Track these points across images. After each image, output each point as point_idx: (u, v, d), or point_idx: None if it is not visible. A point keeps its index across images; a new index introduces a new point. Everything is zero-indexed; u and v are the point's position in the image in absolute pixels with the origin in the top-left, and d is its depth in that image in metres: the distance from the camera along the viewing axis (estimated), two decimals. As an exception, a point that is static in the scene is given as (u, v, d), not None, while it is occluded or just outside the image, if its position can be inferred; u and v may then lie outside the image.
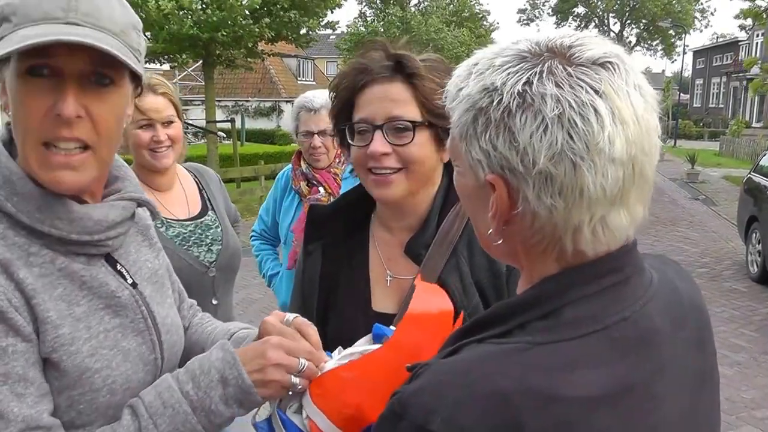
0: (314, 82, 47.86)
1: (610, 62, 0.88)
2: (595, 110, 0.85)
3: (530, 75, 0.87)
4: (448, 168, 1.71)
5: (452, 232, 1.67)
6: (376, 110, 1.60)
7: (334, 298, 1.76)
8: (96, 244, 1.27)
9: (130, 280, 1.35)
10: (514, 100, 0.87)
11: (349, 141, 1.65)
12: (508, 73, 0.88)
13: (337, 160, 3.62)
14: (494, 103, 0.88)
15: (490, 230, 0.95)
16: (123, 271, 1.35)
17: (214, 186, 2.81)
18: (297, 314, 1.43)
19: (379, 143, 1.58)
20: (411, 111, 1.61)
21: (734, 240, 11.74)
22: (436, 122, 1.60)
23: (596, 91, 0.85)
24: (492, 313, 0.95)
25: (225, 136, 21.48)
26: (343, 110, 1.67)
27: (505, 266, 1.62)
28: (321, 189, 3.54)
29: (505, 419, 0.81)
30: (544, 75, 0.86)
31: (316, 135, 3.47)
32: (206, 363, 1.29)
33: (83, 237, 1.23)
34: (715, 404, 1.08)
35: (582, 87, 0.85)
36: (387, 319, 1.55)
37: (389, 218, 1.75)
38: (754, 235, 9.82)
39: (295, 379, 1.29)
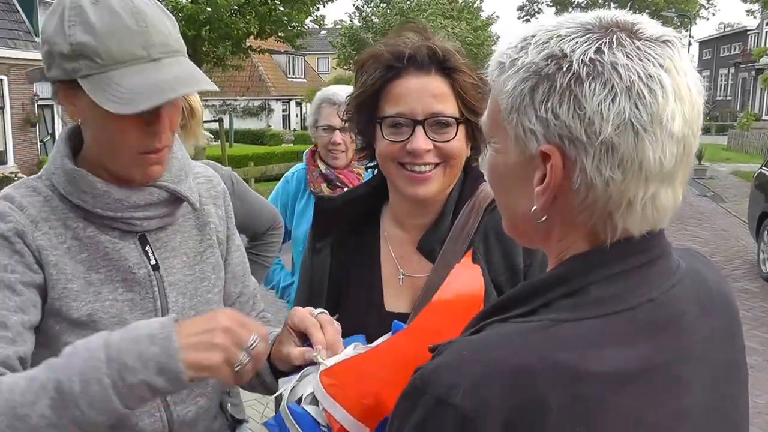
0: (305, 80, 47.87)
1: (670, 41, 0.92)
2: (662, 84, 0.88)
3: (600, 44, 0.90)
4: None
5: (468, 227, 1.67)
6: (416, 105, 1.59)
7: (344, 299, 1.74)
8: (125, 221, 1.48)
9: (153, 261, 1.52)
10: (584, 67, 0.89)
11: (383, 135, 1.63)
12: (576, 42, 0.91)
13: (356, 159, 3.50)
14: (563, 70, 0.90)
15: (534, 207, 0.96)
16: (150, 252, 1.52)
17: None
18: (324, 310, 1.47)
19: (422, 140, 1.58)
20: (451, 106, 1.62)
21: (745, 238, 11.78)
22: (471, 118, 1.62)
23: (662, 66, 0.89)
24: (516, 293, 0.97)
25: (212, 137, 21.39)
26: (371, 99, 1.65)
27: (522, 262, 1.62)
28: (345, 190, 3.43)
29: (530, 394, 0.84)
30: (614, 45, 0.90)
31: (337, 131, 3.42)
32: (145, 323, 1.27)
33: (107, 212, 1.45)
34: (742, 401, 1.08)
35: (650, 60, 0.89)
36: (400, 319, 1.54)
37: (405, 214, 1.73)
38: (766, 232, 9.85)
39: (242, 354, 1.26)
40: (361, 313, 1.69)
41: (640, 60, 0.89)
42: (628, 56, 0.89)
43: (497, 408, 0.83)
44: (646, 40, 0.91)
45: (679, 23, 64.53)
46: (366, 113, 1.67)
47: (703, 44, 64.97)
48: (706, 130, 43.45)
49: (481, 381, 0.84)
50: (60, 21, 1.35)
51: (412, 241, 1.71)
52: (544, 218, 0.97)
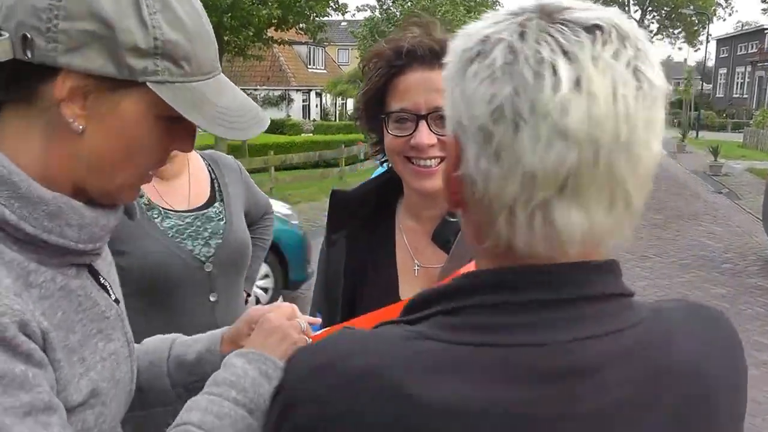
0: (325, 71, 47.87)
1: (600, 28, 0.78)
2: (554, 69, 0.75)
3: (498, 27, 0.81)
4: None
5: None
6: (419, 99, 1.58)
7: (360, 291, 1.74)
8: (88, 253, 1.11)
9: (113, 296, 1.21)
10: (478, 46, 0.81)
11: (387, 130, 1.63)
12: (497, 26, 0.82)
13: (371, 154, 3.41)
14: (459, 53, 0.84)
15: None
16: (107, 285, 1.20)
17: (231, 175, 2.73)
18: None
19: (426, 135, 1.57)
20: None
21: (759, 235, 11.66)
22: None
23: (564, 52, 0.76)
24: (418, 297, 0.91)
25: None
26: (377, 94, 1.64)
27: None
28: None
29: (347, 400, 0.80)
30: (512, 27, 0.80)
31: None
32: (235, 369, 1.25)
33: (88, 246, 1.09)
34: None
35: (548, 43, 0.77)
36: None
37: (419, 206, 1.73)
38: (779, 230, 9.75)
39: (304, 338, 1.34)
40: (377, 303, 1.65)
41: (537, 42, 0.77)
42: (522, 37, 0.78)
43: (314, 403, 0.81)
44: (563, 24, 0.78)
45: (696, 21, 63.99)
46: (374, 109, 1.67)
47: (721, 42, 64.38)
48: (722, 127, 43.16)
49: (309, 376, 0.83)
50: (134, 3, 1.00)
51: (426, 233, 1.71)
52: (455, 218, 0.91)
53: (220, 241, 2.53)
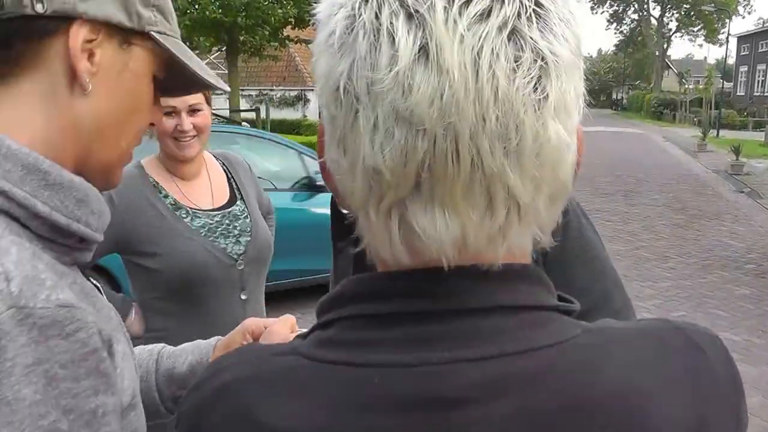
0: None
1: None
2: (391, 36, 0.60)
3: None
4: None
5: None
6: None
7: None
8: (93, 248, 1.03)
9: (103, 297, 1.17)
10: (323, 13, 0.68)
11: None
12: None
13: None
14: (318, 19, 0.70)
15: None
16: (97, 284, 1.12)
17: (244, 174, 2.76)
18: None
19: None
20: None
21: (783, 235, 11.51)
22: None
23: (409, 15, 0.60)
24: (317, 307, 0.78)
25: (249, 126, 21.57)
26: None
27: (534, 252, 1.52)
28: None
29: (207, 419, 0.71)
30: None
31: None
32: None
33: (100, 238, 1.00)
34: None
35: (389, 4, 0.61)
36: None
37: None
38: (804, 229, 9.60)
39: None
40: None
41: (379, 5, 0.61)
42: (365, 0, 0.63)
43: (187, 421, 0.74)
44: None
45: (716, 18, 63.58)
46: None
47: (741, 40, 63.91)
48: (742, 126, 42.85)
49: (189, 393, 0.76)
50: None
51: None
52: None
53: (249, 238, 2.56)
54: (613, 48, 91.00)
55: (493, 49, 0.59)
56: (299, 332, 1.31)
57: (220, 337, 1.43)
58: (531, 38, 0.61)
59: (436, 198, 0.62)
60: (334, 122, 0.65)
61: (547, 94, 0.61)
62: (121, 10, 0.94)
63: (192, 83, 1.08)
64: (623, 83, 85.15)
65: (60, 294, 0.82)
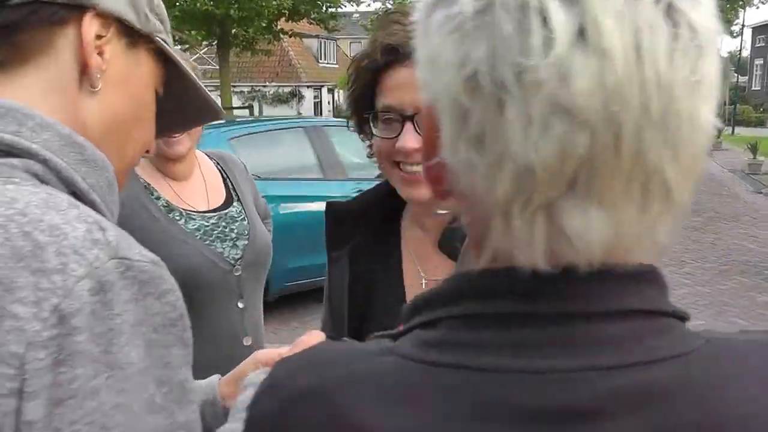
0: (337, 65, 47.92)
1: None
2: (543, 17, 0.55)
3: None
4: None
5: None
6: (405, 98, 1.50)
7: (367, 308, 1.68)
8: None
9: None
10: None
11: (373, 131, 1.56)
12: None
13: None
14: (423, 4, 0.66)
15: None
16: None
17: (240, 174, 2.71)
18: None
19: (412, 137, 1.47)
20: None
21: (805, 238, 11.46)
22: None
23: None
24: (406, 307, 0.75)
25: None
26: (364, 94, 1.58)
27: None
28: None
29: (292, 423, 0.67)
30: None
31: None
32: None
33: None
34: None
35: None
36: None
37: (422, 214, 1.66)
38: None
39: None
40: (386, 320, 1.60)
41: None
42: None
43: (266, 424, 0.70)
44: None
45: (729, 7, 63.73)
46: (362, 111, 1.60)
47: (757, 30, 63.95)
48: (759, 123, 42.87)
49: (263, 394, 0.72)
50: None
51: (432, 242, 1.64)
52: (442, 210, 0.73)
53: (246, 242, 2.51)
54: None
55: (653, 27, 0.55)
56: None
57: (218, 375, 1.34)
58: (684, 11, 0.57)
59: (593, 196, 0.58)
60: (467, 117, 0.59)
61: (701, 76, 0.58)
62: (132, 8, 0.93)
63: (190, 109, 1.08)
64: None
65: (145, 251, 0.79)
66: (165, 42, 0.99)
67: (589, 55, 0.54)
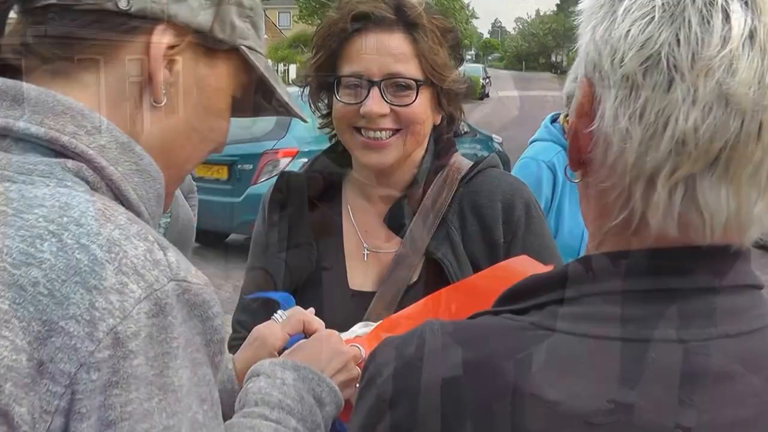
0: (265, 36, 47.38)
1: None
2: (726, 13, 0.67)
3: None
4: (435, 131, 1.70)
5: (440, 200, 1.65)
6: (371, 64, 1.54)
7: (304, 278, 1.66)
8: None
9: None
10: None
11: (336, 96, 1.57)
12: None
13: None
14: None
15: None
16: None
17: None
18: (287, 310, 1.42)
19: (377, 102, 1.52)
20: (412, 67, 1.58)
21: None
22: (436, 81, 1.59)
23: None
24: (518, 286, 0.84)
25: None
26: (328, 61, 1.59)
27: (502, 236, 1.58)
28: None
29: (453, 396, 0.74)
30: None
31: None
32: (288, 390, 1.13)
33: None
34: None
35: None
36: (366, 297, 1.59)
37: (370, 185, 1.68)
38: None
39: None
40: (325, 291, 1.64)
41: None
42: None
43: (415, 399, 0.75)
44: None
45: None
46: (324, 77, 1.62)
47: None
48: None
49: (406, 371, 0.78)
50: None
51: (378, 214, 1.67)
52: (578, 180, 0.84)
53: (168, 219, 2.47)
54: (554, 8, 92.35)
55: None
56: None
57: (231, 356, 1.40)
58: None
59: (728, 175, 0.70)
60: (636, 91, 0.70)
61: None
62: (215, 18, 0.91)
63: (265, 107, 1.05)
64: (563, 45, 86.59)
65: (198, 272, 0.80)
66: (252, 48, 0.97)
67: (756, 53, 0.67)
